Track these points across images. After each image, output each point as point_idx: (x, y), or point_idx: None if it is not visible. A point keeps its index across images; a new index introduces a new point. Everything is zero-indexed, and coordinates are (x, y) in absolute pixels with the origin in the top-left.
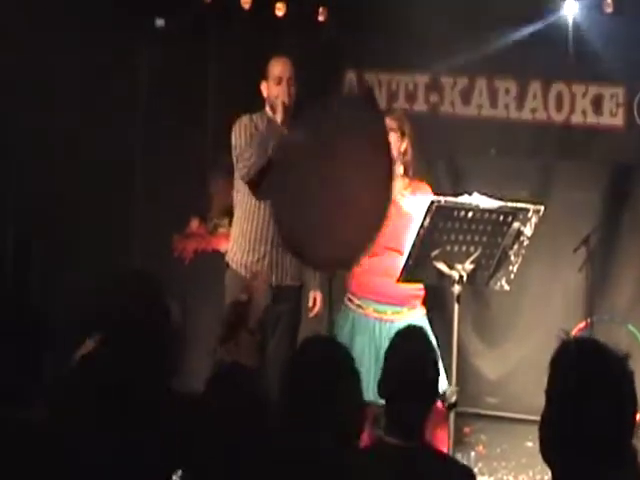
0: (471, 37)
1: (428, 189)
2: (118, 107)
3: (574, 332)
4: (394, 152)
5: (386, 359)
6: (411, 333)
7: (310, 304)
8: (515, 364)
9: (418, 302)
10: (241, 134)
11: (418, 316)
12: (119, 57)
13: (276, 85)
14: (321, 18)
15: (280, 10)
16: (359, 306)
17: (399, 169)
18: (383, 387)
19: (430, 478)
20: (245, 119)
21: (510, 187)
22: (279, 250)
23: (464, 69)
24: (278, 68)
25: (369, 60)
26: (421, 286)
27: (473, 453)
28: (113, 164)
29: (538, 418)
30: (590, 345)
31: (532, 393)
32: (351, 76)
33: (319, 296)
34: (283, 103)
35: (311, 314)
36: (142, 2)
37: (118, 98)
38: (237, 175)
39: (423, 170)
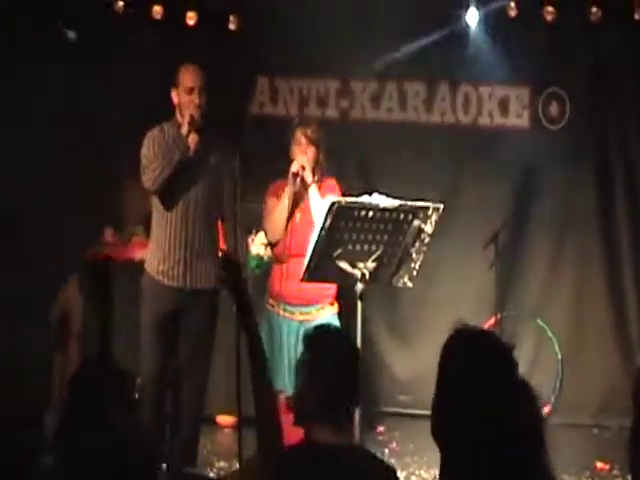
0: (380, 42)
1: (336, 187)
2: (31, 119)
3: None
4: (311, 164)
5: (311, 360)
6: (333, 335)
7: None
8: (427, 362)
9: (327, 301)
10: (150, 146)
11: (327, 315)
12: (29, 67)
13: (187, 94)
14: (232, 26)
15: (191, 19)
16: (272, 306)
17: (313, 177)
18: (312, 388)
19: (361, 476)
20: (156, 131)
21: (421, 188)
22: (193, 254)
23: (373, 73)
24: (189, 77)
25: (280, 66)
26: (330, 285)
27: (387, 450)
28: (25, 175)
29: None
30: (479, 334)
31: None
32: (263, 82)
33: None
34: (191, 116)
35: None
36: (49, 14)
37: (30, 110)
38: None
39: (334, 172)
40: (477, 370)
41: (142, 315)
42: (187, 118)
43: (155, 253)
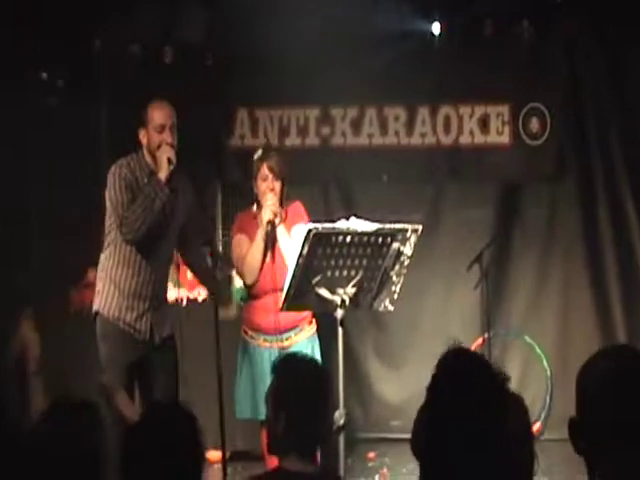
0: (358, 67)
1: (302, 211)
2: (10, 156)
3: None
4: (278, 199)
5: (277, 389)
6: (301, 363)
7: None
8: (417, 385)
9: (305, 323)
10: (121, 188)
11: (307, 336)
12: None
13: (157, 133)
14: (209, 62)
15: (167, 56)
16: (252, 338)
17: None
18: (278, 417)
19: None
20: (124, 168)
21: (404, 211)
22: (157, 306)
23: (353, 99)
24: (159, 114)
25: (259, 97)
26: None
27: (377, 476)
28: (7, 215)
29: None
30: (471, 352)
31: None
32: (242, 113)
33: None
34: (168, 160)
35: None
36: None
37: (10, 146)
38: (112, 230)
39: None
40: (473, 384)
41: (105, 361)
42: (165, 163)
43: (117, 300)
